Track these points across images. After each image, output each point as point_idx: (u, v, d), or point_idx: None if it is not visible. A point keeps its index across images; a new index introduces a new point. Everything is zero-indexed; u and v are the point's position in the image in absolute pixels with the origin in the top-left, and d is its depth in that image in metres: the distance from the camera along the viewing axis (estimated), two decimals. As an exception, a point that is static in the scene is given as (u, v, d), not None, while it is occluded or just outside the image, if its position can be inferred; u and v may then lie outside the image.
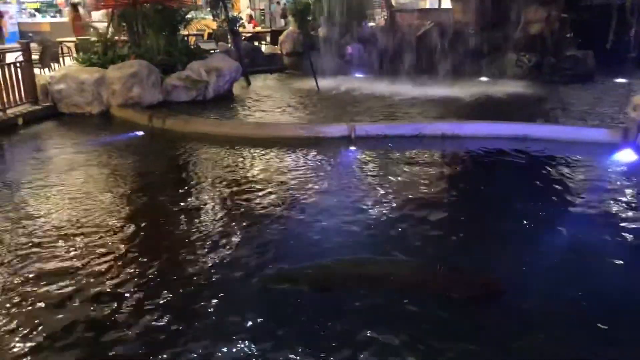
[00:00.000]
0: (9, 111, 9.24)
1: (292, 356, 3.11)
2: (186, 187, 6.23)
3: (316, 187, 6.11)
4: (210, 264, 4.26)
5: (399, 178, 6.39)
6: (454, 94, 11.81)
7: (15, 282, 4.00)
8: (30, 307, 3.67)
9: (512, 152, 7.39)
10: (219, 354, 3.14)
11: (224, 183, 6.29)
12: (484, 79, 13.70)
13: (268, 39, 23.02)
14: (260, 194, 5.88)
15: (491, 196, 6.00)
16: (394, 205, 5.49)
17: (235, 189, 6.08)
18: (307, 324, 3.46)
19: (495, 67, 13.86)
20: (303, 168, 6.86)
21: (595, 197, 5.65)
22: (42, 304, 3.70)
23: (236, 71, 12.09)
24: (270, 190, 5.98)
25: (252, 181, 6.34)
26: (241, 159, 7.36)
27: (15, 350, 3.21)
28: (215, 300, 3.73)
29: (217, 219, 5.21)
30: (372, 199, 5.66)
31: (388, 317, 3.51)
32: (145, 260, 4.34)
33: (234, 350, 3.18)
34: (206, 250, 4.51)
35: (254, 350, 3.17)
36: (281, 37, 20.39)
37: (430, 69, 13.92)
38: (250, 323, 3.44)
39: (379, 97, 11.68)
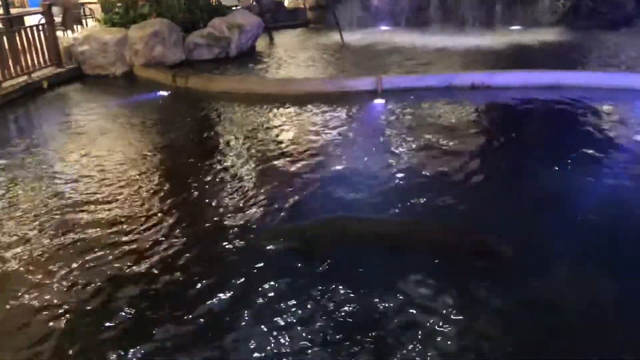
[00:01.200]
0: (33, 75, 9.23)
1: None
2: (211, 147, 6.16)
3: (343, 142, 5.97)
4: (229, 221, 4.21)
5: (427, 130, 6.19)
6: (484, 43, 11.37)
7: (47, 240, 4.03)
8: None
9: (546, 101, 7.10)
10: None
11: (250, 141, 6.20)
12: (516, 27, 13.14)
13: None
14: (285, 151, 5.77)
15: (520, 148, 5.77)
16: (419, 159, 5.32)
17: (261, 146, 5.99)
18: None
19: (528, 13, 13.25)
20: (330, 123, 6.70)
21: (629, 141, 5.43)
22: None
23: (258, 27, 11.84)
24: (294, 147, 5.87)
25: (277, 139, 6.23)
26: (266, 116, 7.24)
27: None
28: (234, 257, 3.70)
29: (242, 176, 5.13)
30: (398, 153, 5.50)
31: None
32: (169, 216, 4.32)
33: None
34: (229, 208, 4.45)
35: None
36: (304, -9, 19.85)
37: (459, 18, 13.40)
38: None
39: (406, 48, 11.32)
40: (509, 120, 6.81)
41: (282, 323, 2.99)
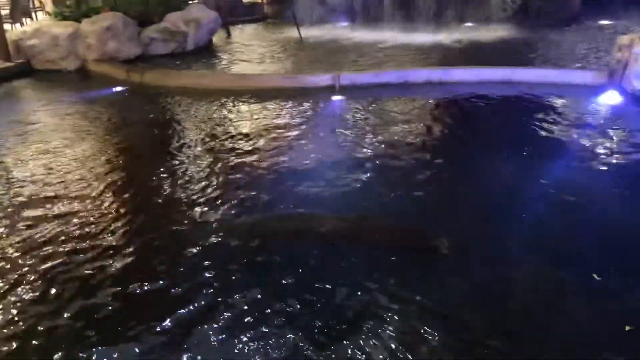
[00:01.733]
0: (-20, 69, 8.93)
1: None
2: (167, 143, 6.09)
3: (302, 137, 6.02)
4: (179, 216, 4.21)
5: (383, 126, 6.31)
6: (438, 40, 11.62)
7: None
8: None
9: (497, 97, 7.34)
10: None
11: (207, 137, 6.17)
12: (469, 24, 13.47)
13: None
14: (242, 146, 5.78)
15: (472, 140, 5.96)
16: (374, 153, 5.43)
17: (217, 142, 5.97)
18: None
19: (480, 11, 13.61)
20: (288, 119, 6.74)
21: (577, 136, 5.68)
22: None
23: (215, 22, 11.75)
24: (252, 143, 5.87)
25: (233, 134, 6.22)
26: (224, 112, 7.21)
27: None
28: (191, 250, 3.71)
29: (199, 171, 5.11)
30: (354, 148, 5.59)
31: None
32: (127, 212, 4.29)
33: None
34: (186, 203, 4.45)
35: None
36: (261, -14, 19.77)
37: (414, 16, 13.64)
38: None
39: (363, 45, 11.46)
40: (462, 115, 6.99)
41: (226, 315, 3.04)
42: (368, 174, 4.92)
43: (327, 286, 3.26)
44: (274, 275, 3.40)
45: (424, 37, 11.79)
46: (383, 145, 5.65)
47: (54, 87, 9.09)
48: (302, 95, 7.73)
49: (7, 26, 10.57)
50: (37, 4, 13.94)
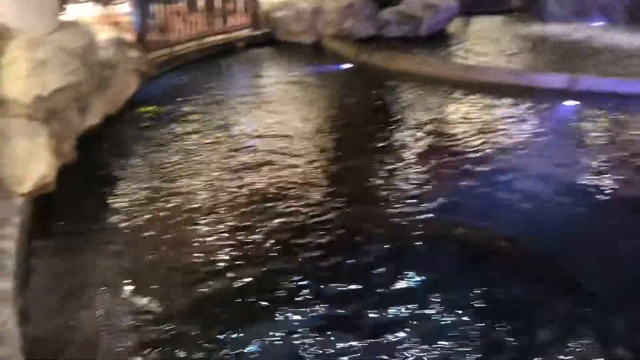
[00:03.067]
0: (232, 34, 9.92)
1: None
2: (383, 125, 6.01)
3: (523, 143, 5.41)
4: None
5: (626, 146, 5.31)
6: None
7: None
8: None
9: None
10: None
11: (424, 126, 5.95)
12: None
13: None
14: (458, 143, 5.41)
15: None
16: (609, 179, 4.57)
17: (435, 134, 5.71)
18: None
19: None
20: (511, 119, 6.16)
21: None
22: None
23: (454, 9, 11.29)
24: (466, 140, 5.46)
25: (452, 129, 5.90)
26: (444, 102, 6.92)
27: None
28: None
29: (409, 164, 4.90)
30: (583, 168, 4.80)
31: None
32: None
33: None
34: (390, 191, 4.33)
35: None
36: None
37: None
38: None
39: (620, 49, 9.90)
40: None
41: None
42: (588, 200, 4.17)
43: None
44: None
45: None
46: (618, 170, 4.74)
47: (290, 57, 9.72)
48: (529, 95, 6.96)
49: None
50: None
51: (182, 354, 2.60)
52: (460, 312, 2.88)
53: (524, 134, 5.69)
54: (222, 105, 6.71)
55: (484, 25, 12.97)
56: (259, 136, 5.56)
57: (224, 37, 9.74)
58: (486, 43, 10.68)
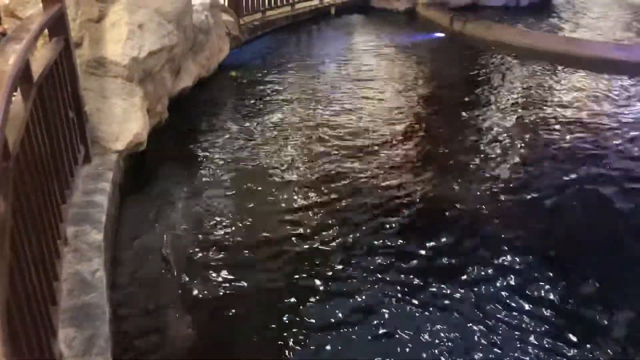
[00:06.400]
0: (325, 0, 9.83)
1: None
2: (479, 102, 5.80)
3: (624, 128, 5.00)
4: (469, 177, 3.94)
5: None
6: None
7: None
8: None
9: None
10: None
11: (522, 101, 5.69)
12: None
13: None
14: (556, 120, 5.14)
15: None
16: None
17: (533, 110, 5.44)
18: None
19: None
20: (619, 98, 5.74)
21: None
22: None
23: (563, -23, 10.52)
24: (569, 118, 5.18)
25: (552, 104, 5.59)
26: (545, 77, 6.52)
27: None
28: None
29: (501, 142, 4.71)
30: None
31: None
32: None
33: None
34: (477, 165, 4.20)
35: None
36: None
37: None
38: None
39: None
40: None
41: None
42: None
43: None
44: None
45: None
46: None
47: (383, 25, 9.52)
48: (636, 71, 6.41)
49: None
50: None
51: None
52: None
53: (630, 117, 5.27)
54: (312, 72, 6.70)
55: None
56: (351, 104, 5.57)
57: (316, 3, 9.68)
58: (597, 15, 9.93)
